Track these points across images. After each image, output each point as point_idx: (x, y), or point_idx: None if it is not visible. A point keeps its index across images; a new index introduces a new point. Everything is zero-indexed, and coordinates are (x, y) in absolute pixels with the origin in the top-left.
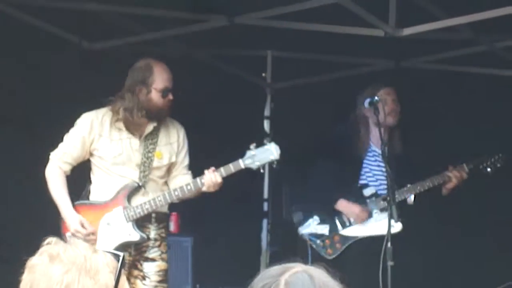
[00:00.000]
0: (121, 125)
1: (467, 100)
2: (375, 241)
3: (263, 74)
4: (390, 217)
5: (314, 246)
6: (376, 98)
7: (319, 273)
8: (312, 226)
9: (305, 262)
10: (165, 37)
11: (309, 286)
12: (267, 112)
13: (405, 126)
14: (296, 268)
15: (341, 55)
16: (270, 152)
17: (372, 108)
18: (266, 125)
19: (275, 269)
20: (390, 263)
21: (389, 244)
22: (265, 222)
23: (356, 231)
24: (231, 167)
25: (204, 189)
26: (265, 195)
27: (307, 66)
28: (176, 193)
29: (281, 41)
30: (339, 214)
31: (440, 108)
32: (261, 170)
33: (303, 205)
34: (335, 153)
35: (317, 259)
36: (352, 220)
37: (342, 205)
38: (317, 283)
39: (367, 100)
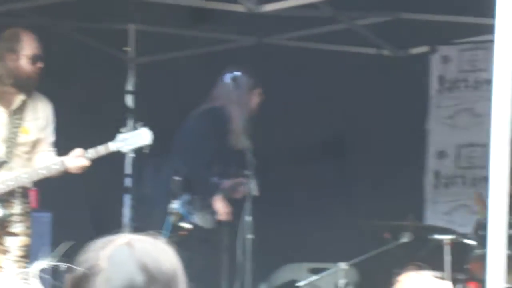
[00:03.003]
0: None
1: (327, 77)
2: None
3: (126, 48)
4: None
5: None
6: (237, 73)
7: (145, 244)
8: (181, 203)
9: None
10: (26, 8)
11: (128, 259)
12: (130, 87)
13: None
14: (119, 240)
15: (205, 31)
16: (141, 136)
17: (233, 84)
18: (129, 100)
19: (99, 242)
20: (249, 236)
21: (248, 217)
22: (127, 197)
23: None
24: (101, 150)
25: (70, 170)
26: (127, 171)
27: (171, 41)
28: (42, 172)
29: (145, 15)
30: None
31: (299, 85)
32: (131, 154)
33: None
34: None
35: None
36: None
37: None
38: (138, 255)
39: (228, 75)
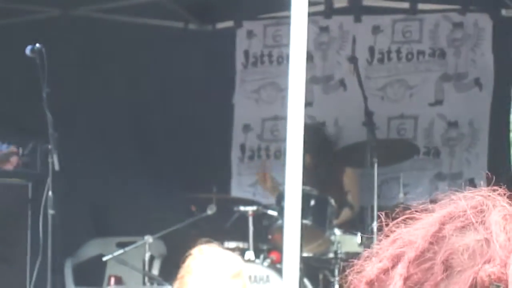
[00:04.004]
0: None
1: (134, 51)
2: None
3: None
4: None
5: None
6: (38, 45)
7: None
8: None
9: None
10: None
11: None
12: None
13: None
14: None
15: (7, 2)
16: None
17: (33, 56)
18: None
19: None
20: (51, 212)
21: (50, 193)
22: None
23: None
24: None
25: None
26: None
27: None
28: None
29: None
30: None
31: (104, 57)
32: None
33: None
34: None
35: None
36: None
37: None
38: None
39: (29, 48)
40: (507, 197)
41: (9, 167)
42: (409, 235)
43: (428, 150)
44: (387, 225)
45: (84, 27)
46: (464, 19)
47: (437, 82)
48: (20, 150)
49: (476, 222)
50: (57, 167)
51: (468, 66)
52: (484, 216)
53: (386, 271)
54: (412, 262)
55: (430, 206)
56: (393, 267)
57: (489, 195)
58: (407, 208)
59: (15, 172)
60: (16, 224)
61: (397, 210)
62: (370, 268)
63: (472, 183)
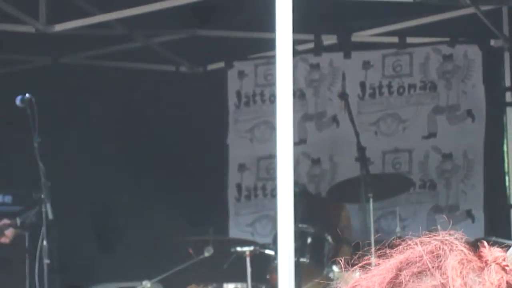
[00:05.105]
0: None
1: (126, 96)
2: None
3: None
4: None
5: None
6: (27, 95)
7: None
8: None
9: None
10: None
11: None
12: None
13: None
14: None
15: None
16: None
17: (23, 106)
18: None
19: None
20: (46, 261)
21: (44, 242)
22: None
23: None
24: None
25: None
26: None
27: None
28: None
29: None
30: None
31: (97, 104)
32: None
33: None
34: None
35: None
36: None
37: None
38: None
39: (19, 98)
40: (464, 241)
41: (5, 240)
42: (366, 282)
43: (423, 183)
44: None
45: (75, 74)
46: (454, 51)
47: (429, 115)
48: (18, 221)
49: (433, 267)
50: (50, 216)
51: (459, 97)
52: (440, 261)
53: None
54: None
55: (426, 238)
56: None
57: (446, 240)
58: (404, 241)
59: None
60: (14, 273)
61: (395, 242)
62: None
63: (469, 215)
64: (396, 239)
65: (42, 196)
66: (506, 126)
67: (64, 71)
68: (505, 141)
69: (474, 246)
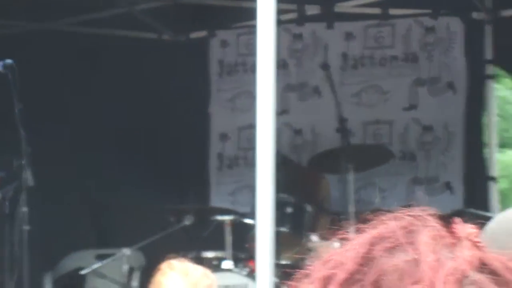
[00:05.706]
0: None
1: (108, 63)
2: None
3: None
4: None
5: None
6: (9, 60)
7: None
8: None
9: None
10: None
11: None
12: None
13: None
14: None
15: None
16: None
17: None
18: None
19: None
20: (26, 227)
21: (25, 208)
22: None
23: None
24: None
25: None
26: None
27: None
28: None
29: None
30: None
31: (79, 70)
32: None
33: None
34: None
35: None
36: None
37: None
38: None
39: (0, 63)
40: (437, 217)
41: None
42: (340, 256)
43: (403, 155)
44: (362, 230)
45: (58, 40)
46: (436, 23)
47: (411, 87)
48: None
49: (406, 242)
50: (31, 183)
51: (441, 70)
52: (413, 236)
53: None
54: (341, 284)
55: (405, 210)
56: None
57: (419, 215)
58: (383, 212)
59: None
60: None
61: (373, 214)
62: None
63: (448, 186)
64: (370, 214)
65: (23, 162)
66: (486, 99)
67: (45, 37)
68: (484, 113)
69: (452, 217)
